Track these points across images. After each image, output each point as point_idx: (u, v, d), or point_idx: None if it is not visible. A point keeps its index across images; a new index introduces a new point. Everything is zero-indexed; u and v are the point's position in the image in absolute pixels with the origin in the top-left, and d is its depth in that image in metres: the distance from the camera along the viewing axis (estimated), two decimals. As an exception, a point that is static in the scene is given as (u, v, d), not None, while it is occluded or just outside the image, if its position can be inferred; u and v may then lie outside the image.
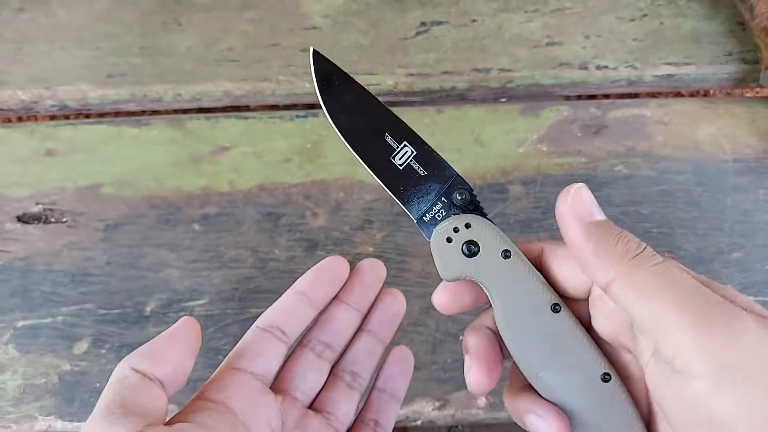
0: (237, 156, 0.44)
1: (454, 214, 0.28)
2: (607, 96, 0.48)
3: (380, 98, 0.45)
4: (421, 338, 0.41)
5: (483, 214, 0.28)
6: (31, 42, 0.45)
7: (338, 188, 0.43)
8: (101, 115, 0.48)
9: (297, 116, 0.45)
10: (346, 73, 0.29)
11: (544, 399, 0.27)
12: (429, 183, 0.29)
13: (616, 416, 0.26)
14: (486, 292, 0.28)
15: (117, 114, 0.48)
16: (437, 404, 0.41)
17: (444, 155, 0.29)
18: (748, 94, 0.51)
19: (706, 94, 0.52)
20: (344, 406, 0.33)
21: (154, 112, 0.48)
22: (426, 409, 0.41)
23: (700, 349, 0.21)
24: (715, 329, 0.21)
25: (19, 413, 0.41)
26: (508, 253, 0.27)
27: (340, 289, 0.34)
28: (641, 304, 0.23)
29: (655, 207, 0.43)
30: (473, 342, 0.27)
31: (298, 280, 0.33)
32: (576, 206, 0.25)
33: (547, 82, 0.45)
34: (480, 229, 0.28)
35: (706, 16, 0.45)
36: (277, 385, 0.32)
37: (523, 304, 0.27)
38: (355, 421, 0.34)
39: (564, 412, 0.26)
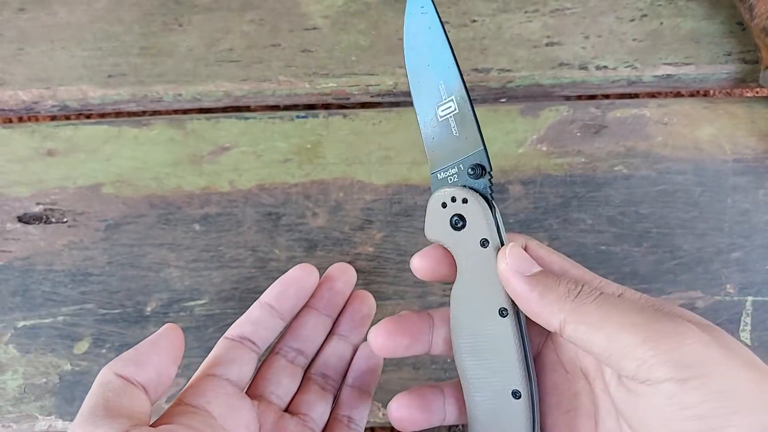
0: (237, 156, 0.44)
1: (461, 185, 0.29)
2: (606, 96, 0.48)
3: (380, 99, 0.46)
4: (420, 338, 0.41)
5: (486, 197, 0.28)
6: (32, 42, 0.45)
7: (338, 188, 0.43)
8: (102, 115, 0.48)
9: (297, 116, 0.45)
10: (439, 19, 0.30)
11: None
12: (456, 145, 0.29)
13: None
14: (456, 263, 0.29)
15: (118, 114, 0.48)
16: (437, 404, 0.41)
17: (443, 155, 0.29)
18: (748, 94, 0.51)
19: (705, 94, 0.52)
20: (319, 407, 0.33)
21: (155, 113, 0.48)
22: (426, 409, 0.41)
23: (659, 357, 0.23)
24: (666, 337, 0.23)
25: (20, 413, 0.41)
26: (485, 243, 0.28)
27: (312, 296, 0.34)
28: (595, 335, 0.24)
29: (654, 207, 0.43)
30: (402, 313, 0.30)
31: (267, 290, 0.33)
32: (513, 264, 0.26)
33: (546, 83, 0.45)
34: (473, 209, 0.28)
35: (706, 16, 0.45)
36: (252, 391, 0.32)
37: (477, 294, 0.28)
38: (328, 419, 0.34)
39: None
